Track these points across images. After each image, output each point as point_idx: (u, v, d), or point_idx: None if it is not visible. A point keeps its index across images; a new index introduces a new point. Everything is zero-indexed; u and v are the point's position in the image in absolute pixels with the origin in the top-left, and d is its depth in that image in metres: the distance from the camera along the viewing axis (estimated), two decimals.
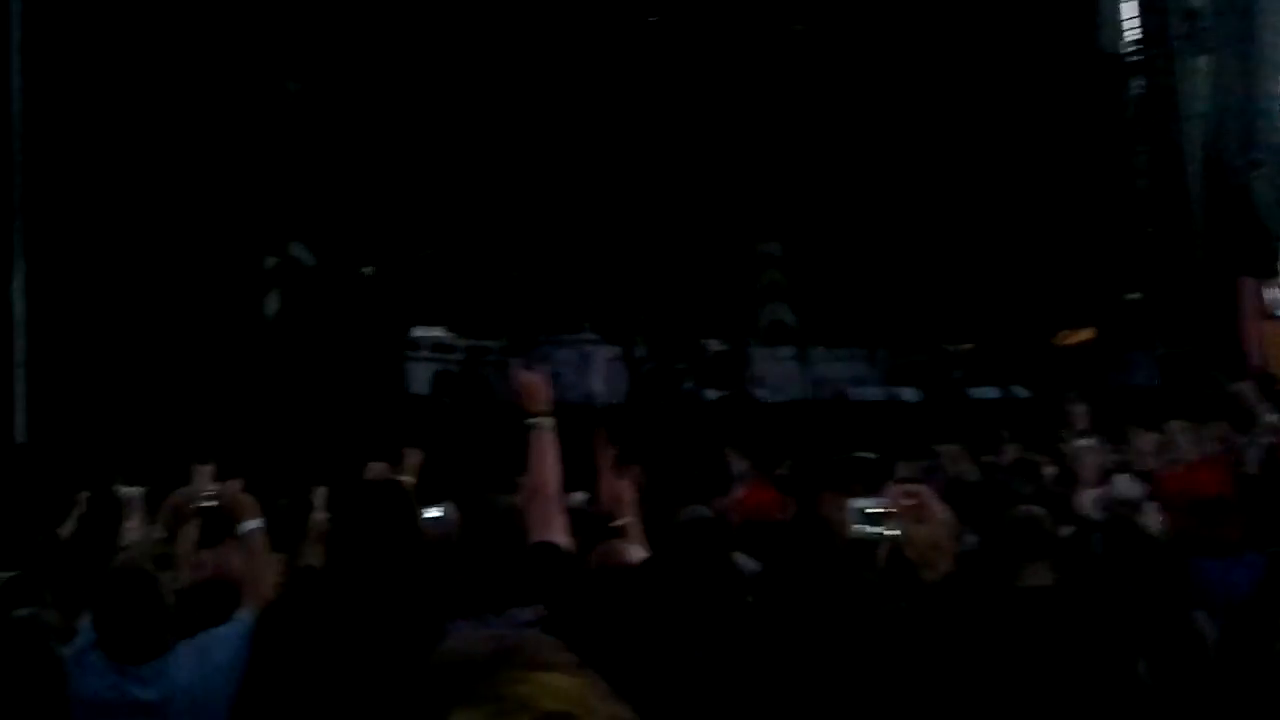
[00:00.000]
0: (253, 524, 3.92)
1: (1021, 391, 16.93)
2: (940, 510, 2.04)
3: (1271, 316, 23.35)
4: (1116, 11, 23.03)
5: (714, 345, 17.92)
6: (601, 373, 14.46)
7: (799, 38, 19.52)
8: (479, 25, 16.74)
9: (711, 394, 15.37)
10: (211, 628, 3.53)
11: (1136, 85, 22.85)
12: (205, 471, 4.65)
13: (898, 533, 2.09)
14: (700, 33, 18.53)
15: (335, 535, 3.31)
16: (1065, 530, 4.06)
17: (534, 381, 3.40)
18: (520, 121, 17.30)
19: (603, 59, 17.73)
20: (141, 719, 3.25)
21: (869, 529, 2.16)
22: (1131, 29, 23.13)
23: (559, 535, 3.14)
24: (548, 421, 3.37)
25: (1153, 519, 4.32)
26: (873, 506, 2.15)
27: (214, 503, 4.54)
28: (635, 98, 17.87)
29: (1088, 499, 4.58)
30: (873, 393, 16.57)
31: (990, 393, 16.88)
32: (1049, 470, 7.47)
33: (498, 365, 13.68)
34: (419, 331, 14.22)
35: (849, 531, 2.21)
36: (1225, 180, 23.07)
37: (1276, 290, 23.75)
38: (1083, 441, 5.05)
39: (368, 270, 14.44)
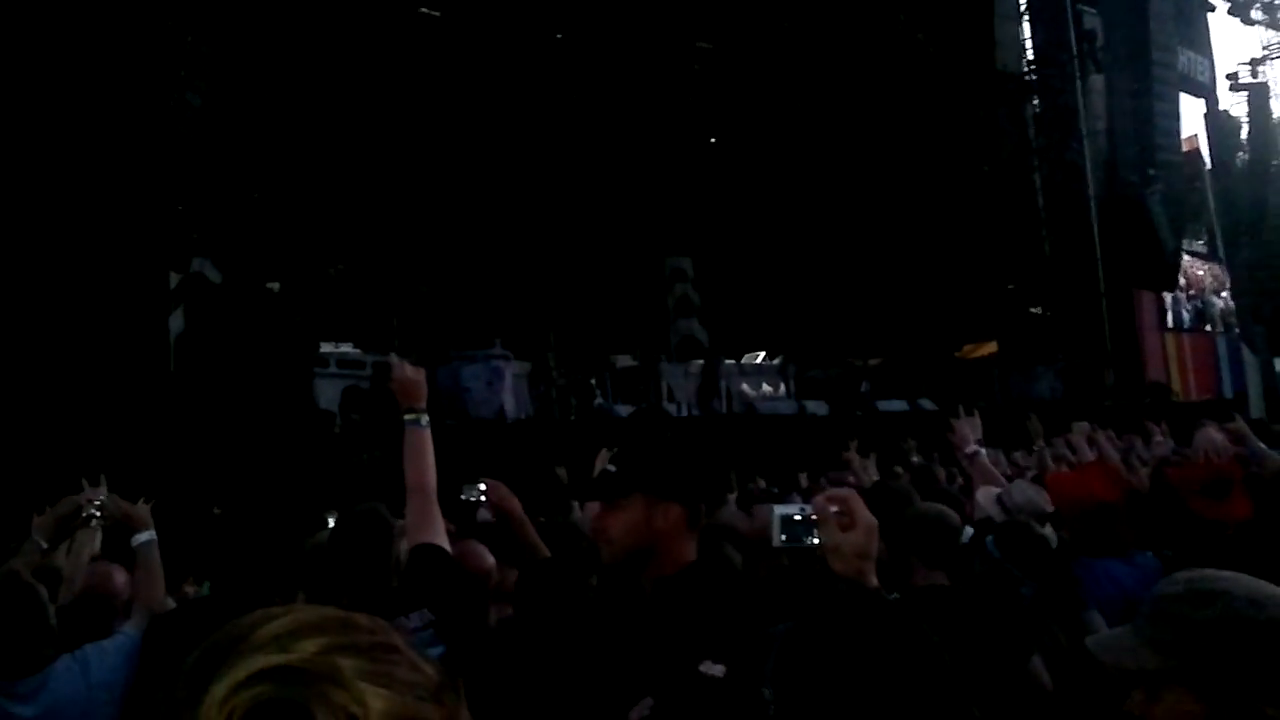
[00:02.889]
0: (145, 536, 3.84)
1: (928, 404, 17.17)
2: (867, 516, 2.01)
3: (1169, 329, 23.98)
4: (1015, 31, 23.52)
5: (624, 361, 17.97)
6: (511, 388, 14.41)
7: (706, 57, 19.70)
8: (388, 42, 16.68)
9: (623, 409, 15.39)
10: (94, 641, 3.43)
11: (1034, 105, 23.33)
12: (99, 489, 4.52)
13: (819, 541, 2.02)
14: (608, 52, 18.61)
15: (222, 552, 3.24)
16: (967, 534, 4.14)
17: (411, 377, 3.37)
18: (428, 139, 17.25)
19: (512, 76, 17.74)
20: None
21: (793, 536, 2.08)
22: (1029, 49, 23.64)
23: (439, 536, 3.11)
24: (425, 418, 3.34)
25: (1047, 522, 4.44)
26: (798, 514, 2.09)
27: (99, 514, 4.43)
28: (545, 115, 17.90)
29: (985, 501, 4.69)
30: (782, 406, 16.70)
31: (897, 405, 17.11)
32: (954, 480, 7.63)
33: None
34: (327, 347, 14.09)
35: (774, 541, 2.15)
36: (1122, 197, 23.66)
37: (1174, 303, 24.39)
38: (972, 449, 5.15)
39: (274, 286, 14.27)
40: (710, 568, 2.44)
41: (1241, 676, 1.62)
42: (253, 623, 0.86)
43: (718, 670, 2.07)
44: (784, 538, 2.07)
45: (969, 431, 5.41)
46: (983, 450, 5.38)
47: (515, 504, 3.65)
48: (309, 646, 0.83)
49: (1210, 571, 1.75)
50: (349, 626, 0.88)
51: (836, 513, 1.98)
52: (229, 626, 0.86)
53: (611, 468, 2.47)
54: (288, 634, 0.84)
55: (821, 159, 19.89)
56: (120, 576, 4.03)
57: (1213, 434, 5.51)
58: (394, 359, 3.49)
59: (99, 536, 4.44)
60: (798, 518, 2.06)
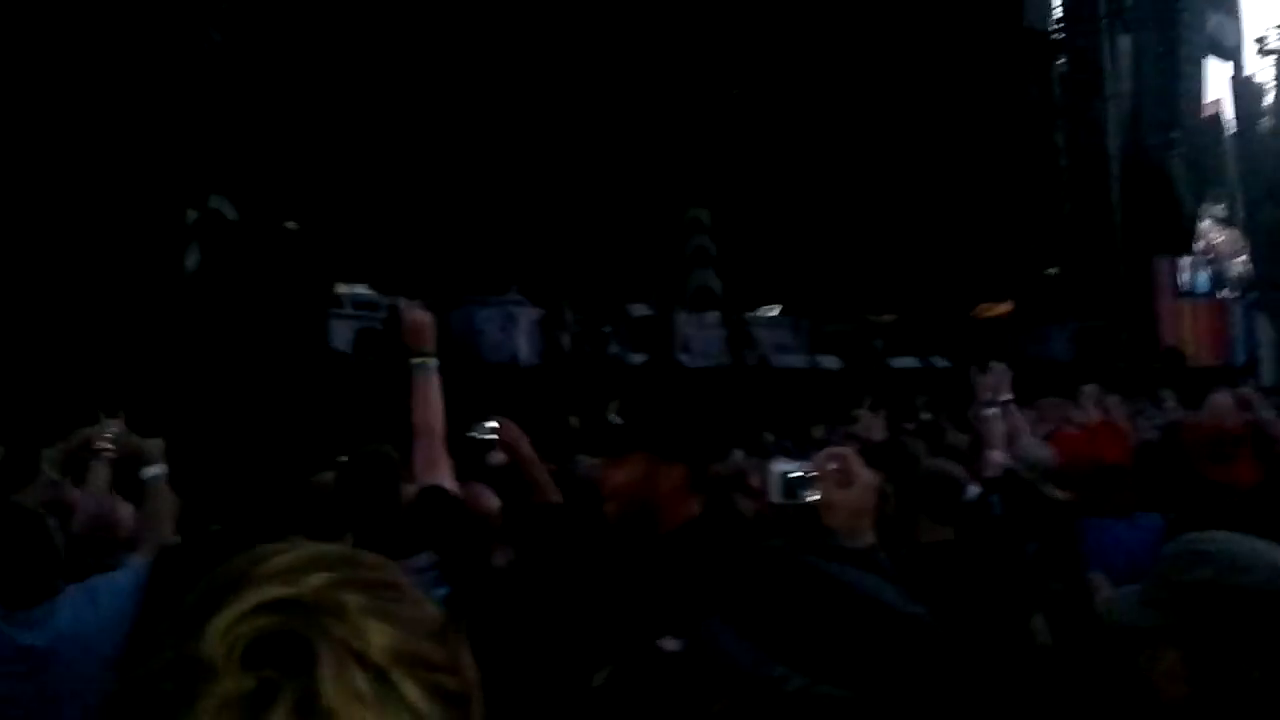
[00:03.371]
0: (155, 470, 3.85)
1: (941, 362, 17.17)
2: (865, 474, 2.02)
3: (1184, 294, 23.88)
4: None
5: (639, 310, 17.98)
6: (526, 334, 14.45)
7: (731, 7, 19.53)
8: None
9: (636, 358, 15.43)
10: (99, 573, 3.44)
11: (1060, 64, 23.14)
12: (114, 423, 4.53)
13: (819, 497, 2.04)
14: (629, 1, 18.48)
15: (230, 488, 3.27)
16: (973, 492, 4.15)
17: (421, 320, 3.36)
18: (451, 81, 17.16)
19: (538, 21, 17.62)
20: (27, 664, 3.13)
21: (793, 493, 2.10)
22: (1057, 8, 23.42)
23: (445, 478, 3.12)
24: (433, 361, 3.34)
25: (1052, 482, 4.46)
26: (796, 471, 2.11)
27: (110, 447, 4.45)
28: (565, 63, 17.79)
29: (994, 461, 4.70)
30: (796, 360, 16.72)
31: (910, 362, 17.11)
32: (961, 438, 7.63)
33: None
34: (343, 288, 14.12)
35: (772, 497, 2.17)
36: (1144, 160, 23.51)
37: (1190, 269, 24.28)
38: (989, 410, 5.14)
39: (291, 225, 14.27)
40: (712, 523, 2.45)
41: (1224, 638, 1.64)
42: (258, 557, 0.87)
43: (674, 645, 2.10)
44: (783, 494, 2.09)
45: (1002, 382, 5.41)
46: (995, 410, 5.39)
47: (526, 445, 3.66)
48: (314, 580, 0.85)
49: (1211, 534, 1.76)
50: (354, 563, 0.89)
51: (834, 470, 2.00)
52: (234, 560, 0.88)
53: (617, 420, 2.50)
54: (293, 568, 0.86)
55: (844, 113, 19.76)
56: (125, 510, 4.05)
57: (1225, 399, 5.52)
58: (403, 303, 3.48)
59: (108, 470, 4.45)
60: (796, 474, 2.09)
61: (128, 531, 3.98)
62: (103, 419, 4.52)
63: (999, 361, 5.64)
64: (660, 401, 2.70)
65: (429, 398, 3.26)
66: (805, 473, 2.08)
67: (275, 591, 0.83)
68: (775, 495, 2.12)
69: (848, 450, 2.11)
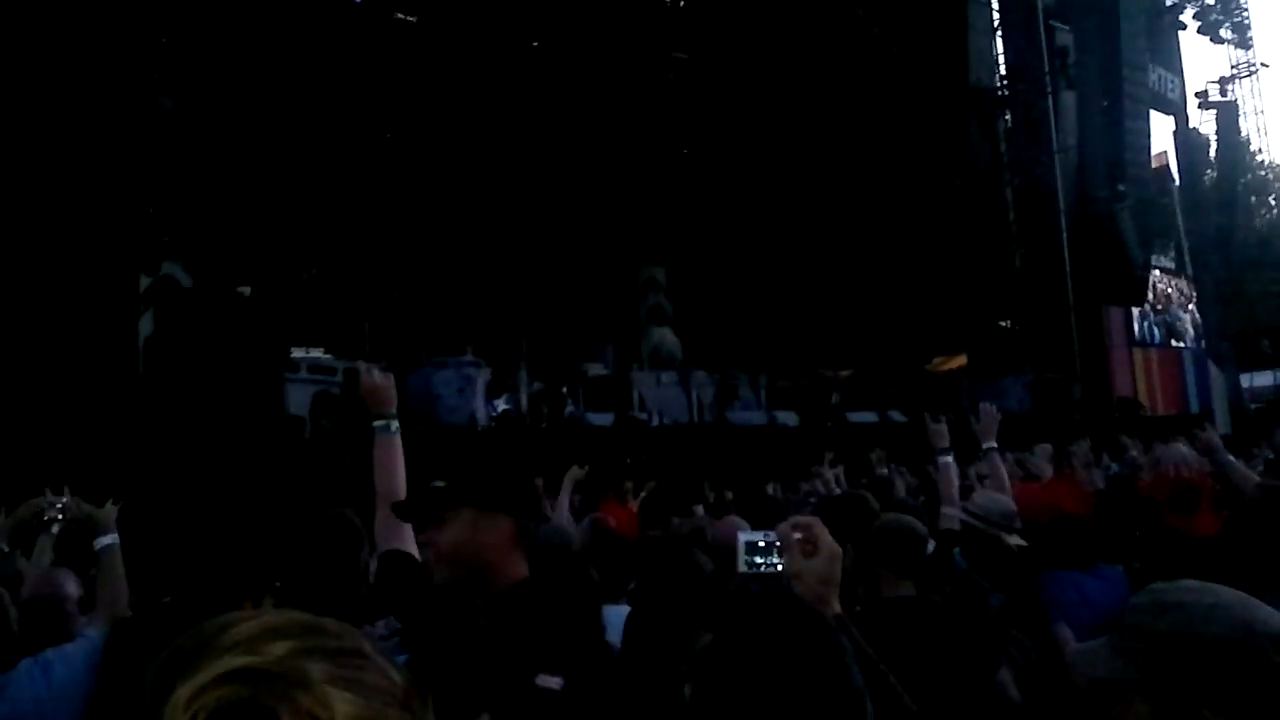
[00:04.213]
0: (107, 539, 3.79)
1: (898, 416, 17.25)
2: (830, 543, 2.02)
3: (1137, 345, 24.16)
4: (988, 46, 23.70)
5: (597, 369, 17.98)
6: (483, 396, 14.40)
7: (681, 67, 19.75)
8: (364, 48, 16.65)
9: (594, 417, 15.42)
10: (55, 645, 3.38)
11: (1006, 119, 23.51)
12: (64, 496, 4.47)
13: (781, 566, 2.04)
14: (583, 61, 18.63)
15: (186, 558, 3.20)
16: (929, 546, 4.15)
17: (380, 384, 3.36)
18: (402, 144, 17.23)
19: (488, 84, 17.74)
20: None
21: (757, 561, 2.10)
22: (1002, 64, 23.84)
23: (408, 543, 3.10)
24: (394, 424, 3.34)
25: (1013, 533, 4.47)
26: (760, 539, 2.10)
27: (60, 516, 4.39)
28: (520, 123, 17.90)
29: (948, 514, 4.71)
30: (753, 417, 16.75)
31: (868, 417, 17.18)
32: (917, 491, 7.66)
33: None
34: (298, 353, 14.03)
35: (739, 566, 2.16)
36: (1092, 212, 23.85)
37: (1142, 319, 24.58)
38: (944, 459, 5.17)
39: (245, 290, 14.21)
40: (543, 584, 2.45)
41: (1187, 686, 1.64)
42: (221, 625, 0.86)
43: (554, 683, 2.08)
44: (748, 562, 2.09)
45: (990, 427, 5.47)
46: (950, 459, 5.42)
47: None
48: (277, 649, 0.83)
49: (1183, 583, 1.77)
50: (317, 631, 0.88)
51: (800, 539, 2.00)
52: (197, 629, 0.86)
53: (440, 484, 2.48)
54: (256, 637, 0.85)
55: (794, 171, 19.97)
56: (71, 584, 3.99)
57: (1182, 450, 5.56)
58: (362, 366, 3.47)
59: (51, 542, 4.39)
60: (762, 543, 2.08)
61: (74, 604, 3.91)
62: (48, 492, 4.45)
63: (950, 415, 5.69)
64: (481, 457, 2.73)
65: (390, 461, 3.22)
66: (770, 541, 2.08)
67: (238, 661, 0.82)
68: (741, 564, 2.11)
69: (812, 519, 2.11)
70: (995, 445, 5.46)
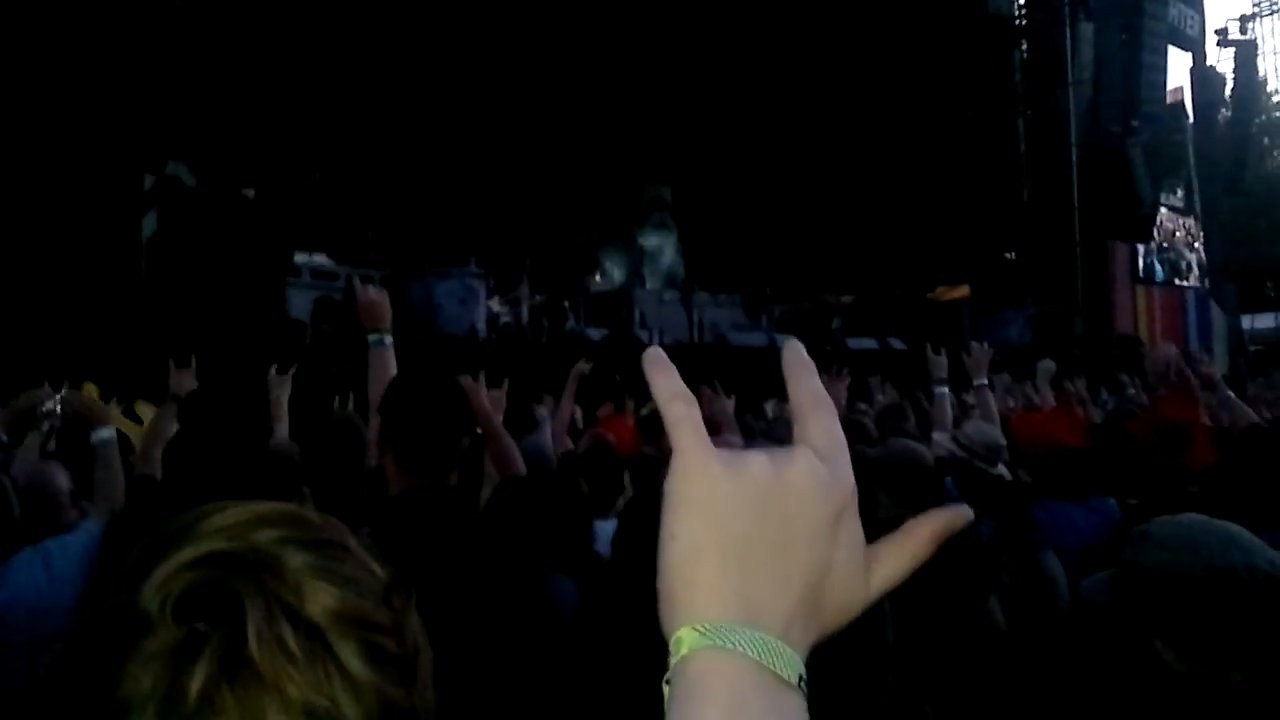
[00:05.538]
0: (105, 432, 3.82)
1: (898, 343, 17.27)
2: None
3: (1140, 281, 24.13)
4: None
5: (599, 285, 17.98)
6: (484, 307, 14.40)
7: None
8: None
9: (595, 333, 15.43)
10: (48, 536, 3.41)
11: (1022, 50, 23.25)
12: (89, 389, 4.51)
13: None
14: None
15: (175, 447, 3.22)
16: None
17: (375, 299, 3.40)
18: (412, 55, 17.04)
19: (493, 10, 17.51)
20: None
21: None
22: None
23: None
24: (388, 339, 3.39)
25: (1000, 460, 4.51)
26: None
27: (57, 409, 4.42)
28: (530, 35, 17.70)
29: (940, 442, 4.74)
30: (753, 338, 16.76)
31: (868, 344, 17.20)
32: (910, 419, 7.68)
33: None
34: (300, 257, 14.01)
35: None
36: (1104, 147, 23.68)
37: (1146, 256, 24.53)
38: (940, 389, 5.21)
39: (249, 193, 14.14)
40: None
41: (1141, 613, 1.68)
42: (204, 513, 0.87)
43: None
44: None
45: (982, 364, 5.50)
46: (945, 390, 5.46)
47: (479, 400, 3.65)
48: (258, 537, 0.84)
49: (1186, 517, 1.79)
50: (300, 522, 0.89)
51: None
52: (182, 516, 0.87)
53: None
54: (239, 524, 0.86)
55: (805, 94, 19.78)
56: (61, 476, 4.02)
57: (1170, 349, 5.59)
58: (357, 282, 3.52)
59: (40, 437, 4.42)
60: None
61: (65, 496, 3.95)
62: (46, 385, 4.47)
63: (949, 344, 5.72)
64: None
65: (385, 373, 3.27)
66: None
67: (213, 546, 0.83)
68: None
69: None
70: (985, 381, 5.49)
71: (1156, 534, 1.77)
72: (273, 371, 5.00)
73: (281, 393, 4.88)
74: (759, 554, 0.65)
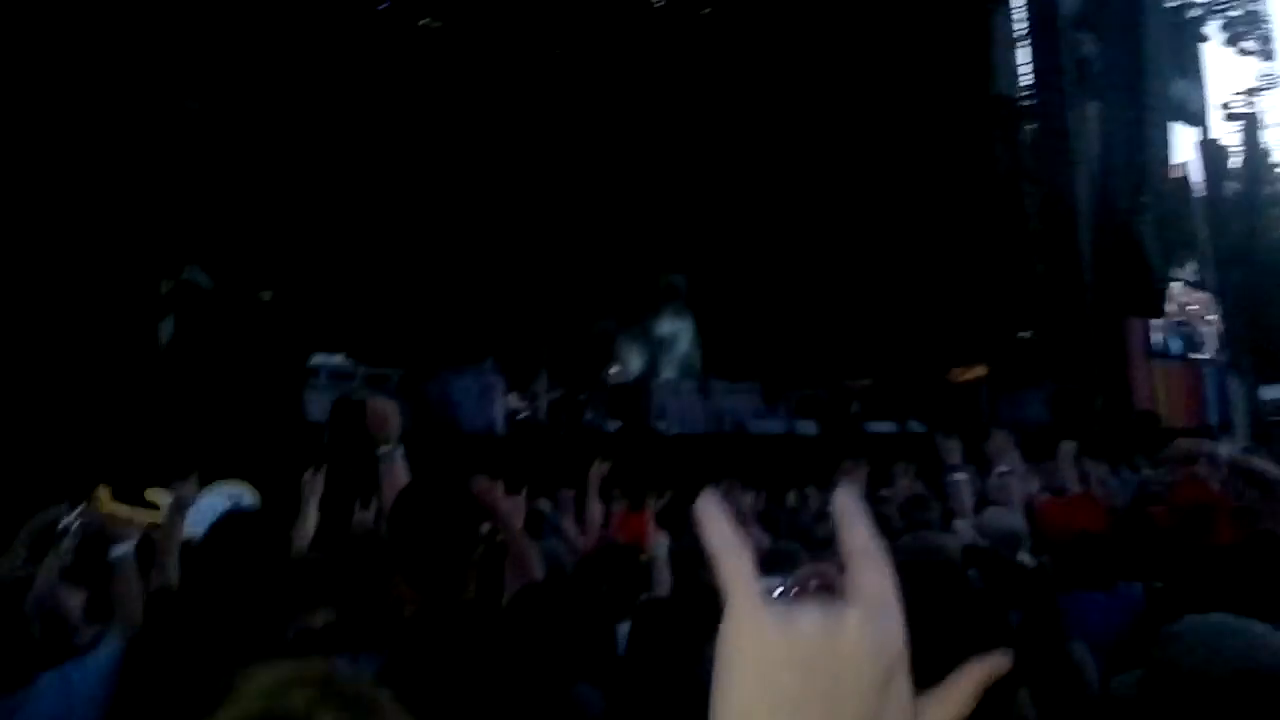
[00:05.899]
0: (123, 549, 3.81)
1: (917, 426, 17.21)
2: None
3: (1157, 356, 24.07)
4: (1011, 56, 23.65)
5: (617, 378, 17.99)
6: (503, 404, 14.40)
7: (705, 74, 19.77)
8: (388, 53, 16.72)
9: (613, 425, 15.42)
10: (59, 656, 3.39)
11: (1029, 129, 23.45)
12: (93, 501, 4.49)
13: None
14: (607, 65, 18.67)
15: (196, 558, 3.22)
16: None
17: (383, 410, 3.42)
18: (425, 150, 17.25)
19: (511, 90, 17.79)
20: None
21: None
22: (1025, 74, 23.78)
23: None
24: (398, 450, 3.40)
25: (1022, 548, 4.47)
26: (779, 587, 2.10)
27: (77, 523, 4.42)
28: (542, 130, 17.93)
29: (964, 531, 4.71)
30: (772, 426, 16.72)
31: (887, 427, 17.14)
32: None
33: (397, 394, 13.56)
34: (318, 358, 14.06)
35: None
36: (1113, 223, 23.76)
37: (1161, 331, 24.50)
38: (958, 475, 5.18)
39: (266, 295, 14.24)
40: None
41: (1169, 714, 1.67)
42: (249, 674, 0.89)
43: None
44: None
45: (1005, 450, 5.48)
46: (964, 475, 5.43)
47: (498, 503, 3.64)
48: (293, 699, 0.86)
49: (1200, 616, 1.78)
50: (332, 682, 0.91)
51: (818, 586, 2.01)
52: (221, 680, 0.89)
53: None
54: (275, 686, 0.87)
55: (817, 179, 19.96)
56: (72, 597, 4.02)
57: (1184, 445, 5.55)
58: (367, 394, 3.55)
59: (59, 559, 4.41)
60: (780, 591, 2.08)
61: (77, 615, 3.95)
62: (68, 505, 4.48)
63: (977, 427, 5.71)
64: None
65: (395, 486, 3.29)
66: (789, 589, 2.08)
67: (252, 707, 0.84)
68: None
69: (830, 566, 2.11)
70: (1008, 469, 5.47)
71: (1184, 634, 1.76)
72: (308, 474, 5.04)
73: (313, 494, 4.92)
74: (809, 714, 0.66)
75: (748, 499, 7.72)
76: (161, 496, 4.53)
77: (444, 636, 2.44)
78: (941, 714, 0.70)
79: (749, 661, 0.66)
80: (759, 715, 0.65)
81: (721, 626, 0.68)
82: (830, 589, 2.02)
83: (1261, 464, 5.21)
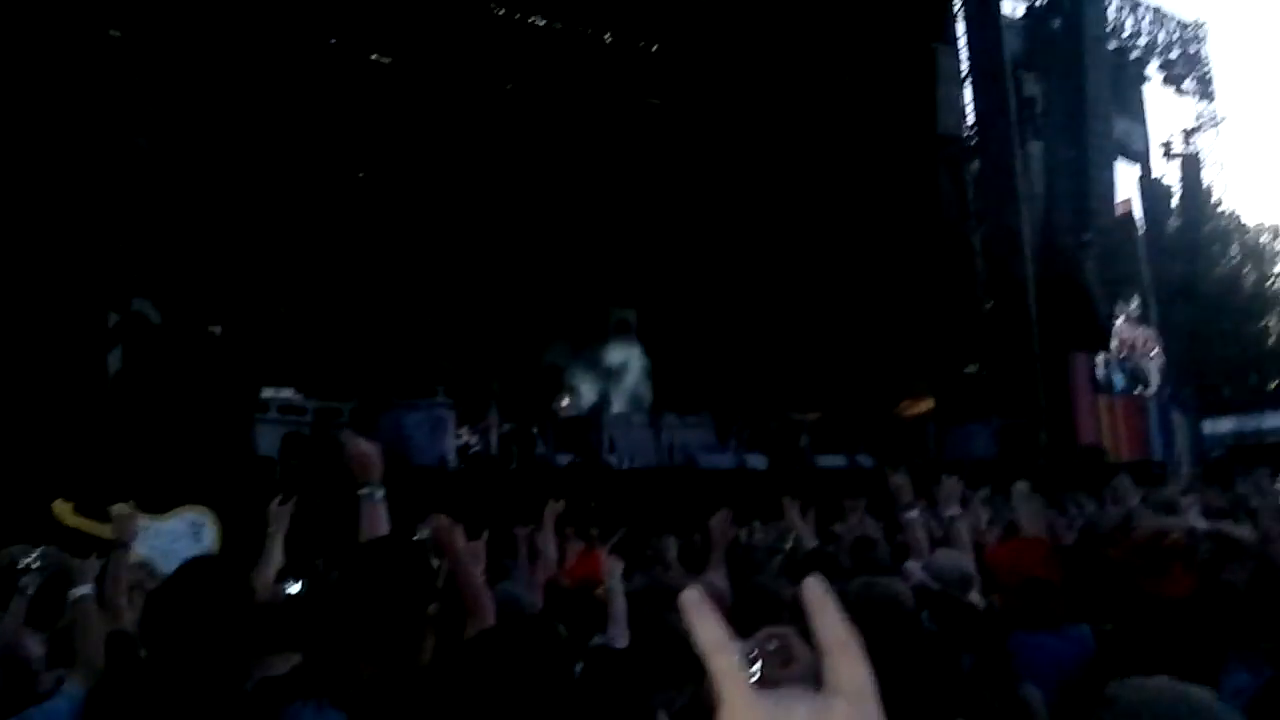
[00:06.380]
0: (83, 590, 3.79)
1: (866, 460, 17.31)
2: (804, 653, 2.06)
3: (1102, 391, 24.36)
4: (956, 95, 23.94)
5: (568, 411, 17.98)
6: (453, 437, 14.37)
7: (654, 112, 19.90)
8: (337, 88, 16.71)
9: (564, 459, 15.41)
10: (20, 702, 3.36)
11: (974, 167, 23.74)
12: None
13: (759, 677, 2.07)
14: (557, 103, 18.75)
15: (154, 603, 3.20)
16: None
17: (366, 451, 3.41)
18: (374, 186, 17.26)
19: (458, 127, 17.82)
20: None
21: None
22: (970, 113, 24.10)
23: None
24: (379, 492, 3.39)
25: (973, 588, 4.53)
26: (739, 651, 2.13)
27: (36, 565, 4.38)
28: (493, 165, 17.97)
29: (915, 571, 4.76)
30: (722, 460, 16.77)
31: (836, 461, 17.24)
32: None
33: (348, 427, 13.49)
34: (268, 392, 13.98)
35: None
36: (1058, 259, 24.09)
37: (1105, 365, 24.80)
38: (910, 513, 5.24)
39: (216, 329, 14.16)
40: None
41: None
42: None
43: None
44: None
45: (953, 494, 5.54)
46: (916, 514, 5.48)
47: (456, 545, 3.64)
48: None
49: (1142, 681, 1.83)
50: None
51: (775, 648, 2.04)
52: None
53: None
54: None
55: (766, 215, 20.11)
56: (34, 645, 3.98)
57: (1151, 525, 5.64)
58: (347, 434, 3.51)
59: (24, 605, 4.37)
60: (740, 654, 2.11)
61: (39, 662, 3.91)
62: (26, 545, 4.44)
63: (915, 460, 5.78)
64: None
65: (377, 527, 3.28)
66: (746, 653, 2.10)
67: None
68: None
69: (787, 629, 2.15)
70: (957, 512, 5.53)
71: (1125, 701, 1.80)
72: (274, 504, 4.88)
73: (279, 528, 4.76)
74: None
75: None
76: (119, 510, 4.46)
77: (400, 699, 2.45)
78: None
79: None
80: None
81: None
82: (788, 651, 2.06)
83: (1238, 531, 5.28)
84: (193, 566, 3.18)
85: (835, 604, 0.79)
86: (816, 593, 0.80)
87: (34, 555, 4.34)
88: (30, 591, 4.38)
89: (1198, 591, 4.00)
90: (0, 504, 8.61)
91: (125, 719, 2.97)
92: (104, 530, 4.26)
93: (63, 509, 4.58)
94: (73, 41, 12.78)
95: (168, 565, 3.95)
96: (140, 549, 5.11)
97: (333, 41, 17.12)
